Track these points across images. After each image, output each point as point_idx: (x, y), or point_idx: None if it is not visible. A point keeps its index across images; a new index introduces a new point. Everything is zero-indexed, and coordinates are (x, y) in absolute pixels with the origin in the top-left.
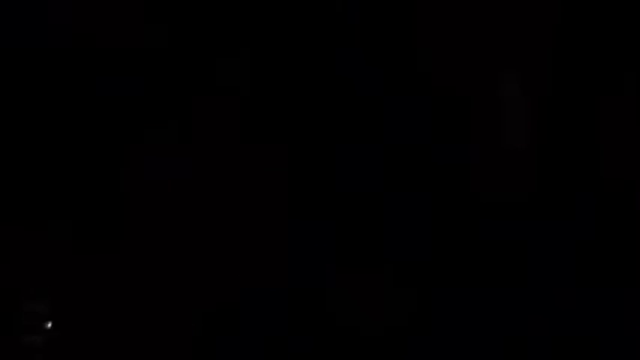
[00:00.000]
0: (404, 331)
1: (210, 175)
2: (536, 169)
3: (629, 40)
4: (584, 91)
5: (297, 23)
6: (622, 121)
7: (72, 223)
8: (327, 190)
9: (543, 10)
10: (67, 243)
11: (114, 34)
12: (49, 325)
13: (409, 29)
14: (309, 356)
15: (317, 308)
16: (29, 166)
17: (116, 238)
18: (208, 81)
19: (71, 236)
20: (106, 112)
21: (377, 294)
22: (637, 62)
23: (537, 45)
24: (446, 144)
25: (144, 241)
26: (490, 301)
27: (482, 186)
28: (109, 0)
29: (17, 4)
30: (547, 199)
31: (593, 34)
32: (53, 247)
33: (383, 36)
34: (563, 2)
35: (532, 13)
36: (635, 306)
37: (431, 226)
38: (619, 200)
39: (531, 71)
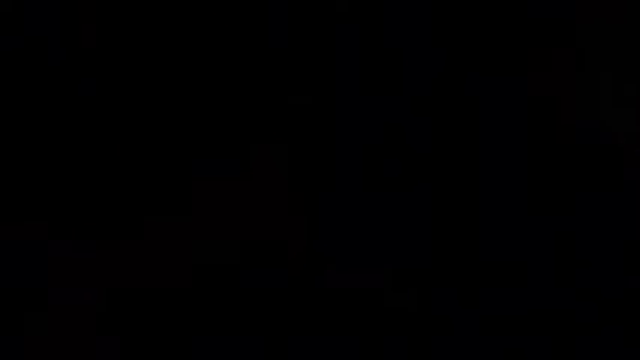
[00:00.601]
0: (404, 331)
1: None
2: (536, 169)
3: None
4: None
5: (297, 23)
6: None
7: (72, 222)
8: (327, 190)
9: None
10: (67, 243)
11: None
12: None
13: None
14: (309, 356)
15: (317, 308)
16: (29, 166)
17: (116, 237)
18: (207, 81)
19: (71, 236)
20: (105, 111)
21: (377, 294)
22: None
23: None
24: (446, 144)
25: (143, 241)
26: (490, 301)
27: (482, 186)
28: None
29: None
30: (546, 199)
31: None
32: (53, 247)
33: (383, 35)
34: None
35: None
36: (636, 305)
37: (431, 227)
38: (619, 200)
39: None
